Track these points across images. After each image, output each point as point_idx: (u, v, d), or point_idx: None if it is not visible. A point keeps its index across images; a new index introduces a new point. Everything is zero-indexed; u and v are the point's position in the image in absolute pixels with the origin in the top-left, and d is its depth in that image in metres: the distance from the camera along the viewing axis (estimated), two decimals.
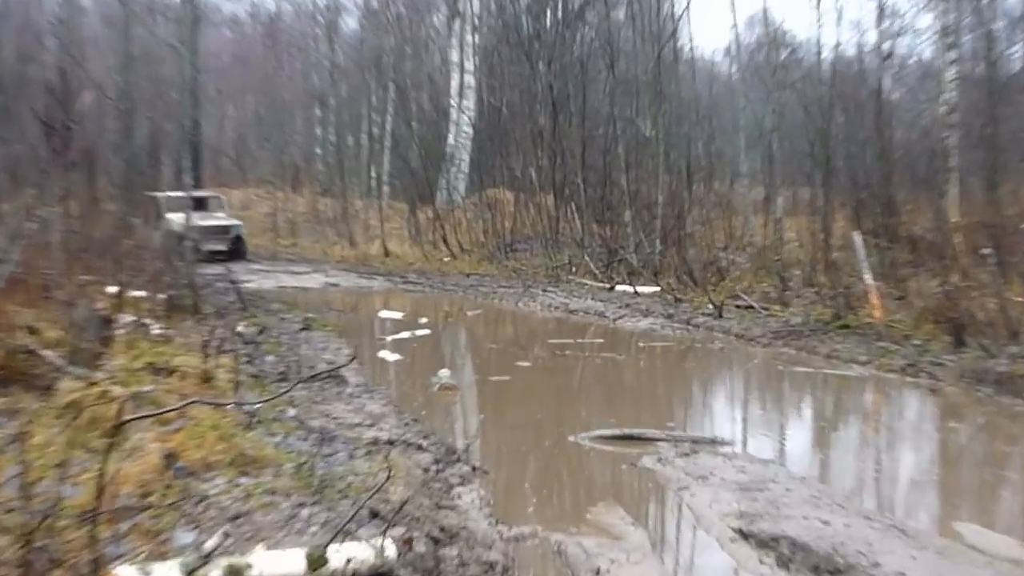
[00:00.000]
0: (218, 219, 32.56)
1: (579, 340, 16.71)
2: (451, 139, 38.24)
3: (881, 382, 13.45)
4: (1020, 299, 14.79)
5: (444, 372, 12.82)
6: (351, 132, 48.11)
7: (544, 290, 23.71)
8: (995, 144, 23.64)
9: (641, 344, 16.41)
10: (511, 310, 21.22)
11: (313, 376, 11.76)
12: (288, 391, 10.09)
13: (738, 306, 19.53)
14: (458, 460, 9.27)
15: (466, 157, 38.05)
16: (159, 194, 29.27)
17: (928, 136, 26.60)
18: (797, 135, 29.43)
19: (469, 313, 20.42)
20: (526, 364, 14.41)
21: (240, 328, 15.41)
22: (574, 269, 26.92)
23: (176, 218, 25.27)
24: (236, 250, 31.47)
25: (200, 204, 32.46)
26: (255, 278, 25.51)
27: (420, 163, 37.49)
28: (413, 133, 39.06)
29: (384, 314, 19.83)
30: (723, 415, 12.11)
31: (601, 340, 16.84)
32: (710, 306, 19.42)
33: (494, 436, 10.61)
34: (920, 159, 26.35)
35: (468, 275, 27.61)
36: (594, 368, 14.33)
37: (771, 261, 23.50)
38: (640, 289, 22.86)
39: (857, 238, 17.69)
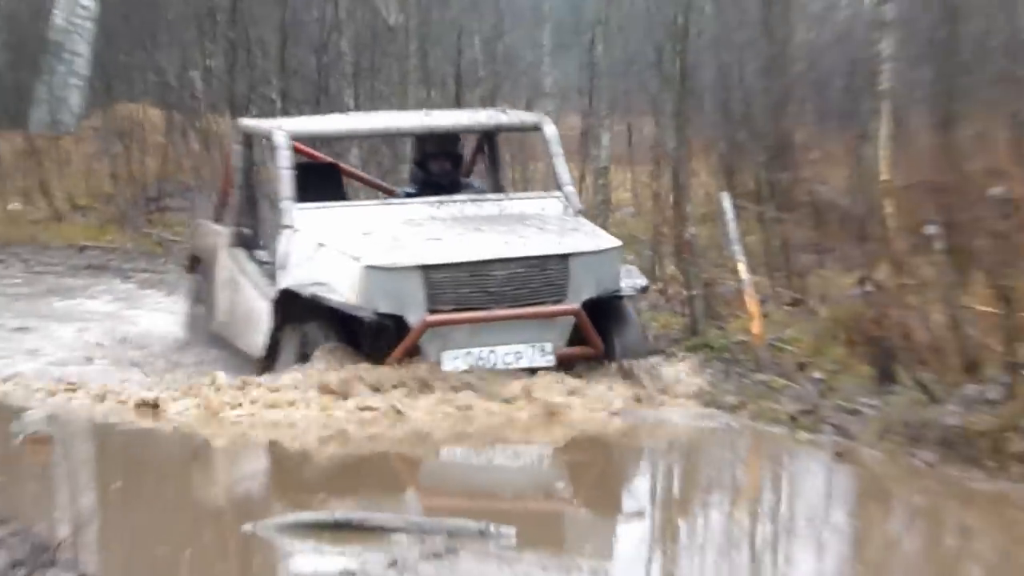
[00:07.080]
0: (522, 227, 11.33)
1: None
2: (58, 18, 30.81)
3: (759, 440, 11.24)
4: (985, 308, 11.89)
5: (33, 415, 11.12)
6: None
7: None
8: (952, 56, 19.31)
9: None
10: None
11: None
12: None
13: None
14: (53, 563, 7.91)
15: (84, 50, 28.78)
16: (254, 123, 13.17)
17: (847, 40, 22.17)
18: (636, 31, 24.06)
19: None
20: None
21: None
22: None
23: (322, 235, 10.94)
24: (623, 343, 11.49)
25: (444, 165, 12.08)
26: None
27: (1, 57, 28.34)
28: None
29: None
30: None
31: None
32: None
33: (119, 519, 9.05)
34: (833, 77, 22.02)
35: (83, 248, 22.40)
36: None
37: None
38: None
39: (727, 203, 14.55)
